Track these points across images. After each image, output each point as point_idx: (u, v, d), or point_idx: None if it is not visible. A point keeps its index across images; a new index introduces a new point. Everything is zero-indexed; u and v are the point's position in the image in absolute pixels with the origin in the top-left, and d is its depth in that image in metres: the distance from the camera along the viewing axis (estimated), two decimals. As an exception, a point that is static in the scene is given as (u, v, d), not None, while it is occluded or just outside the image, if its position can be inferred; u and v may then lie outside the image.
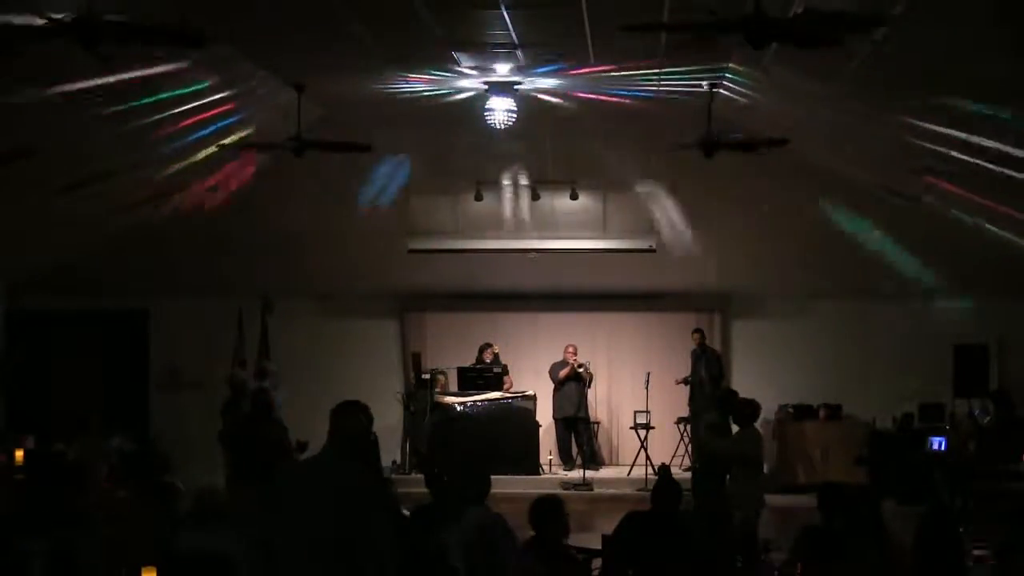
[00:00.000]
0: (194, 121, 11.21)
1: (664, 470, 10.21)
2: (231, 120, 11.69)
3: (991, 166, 10.24)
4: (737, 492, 10.02)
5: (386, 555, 5.50)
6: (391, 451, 15.27)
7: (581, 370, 15.65)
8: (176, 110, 10.72)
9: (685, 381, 15.85)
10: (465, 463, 13.16)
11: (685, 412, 15.90)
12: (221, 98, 10.97)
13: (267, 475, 6.37)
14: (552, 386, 15.86)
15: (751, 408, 10.55)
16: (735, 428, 10.52)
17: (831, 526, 7.35)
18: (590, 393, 15.94)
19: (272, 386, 13.15)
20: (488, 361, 15.81)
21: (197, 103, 10.77)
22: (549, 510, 6.84)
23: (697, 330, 16.02)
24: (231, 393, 12.94)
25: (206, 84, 10.32)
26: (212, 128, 11.62)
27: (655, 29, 8.10)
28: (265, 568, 5.51)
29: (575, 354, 15.70)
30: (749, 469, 10.11)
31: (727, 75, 10.60)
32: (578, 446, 15.85)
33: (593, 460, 15.88)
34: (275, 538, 5.48)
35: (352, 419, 5.66)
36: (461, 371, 15.76)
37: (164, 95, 10.18)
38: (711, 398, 15.66)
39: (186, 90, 10.21)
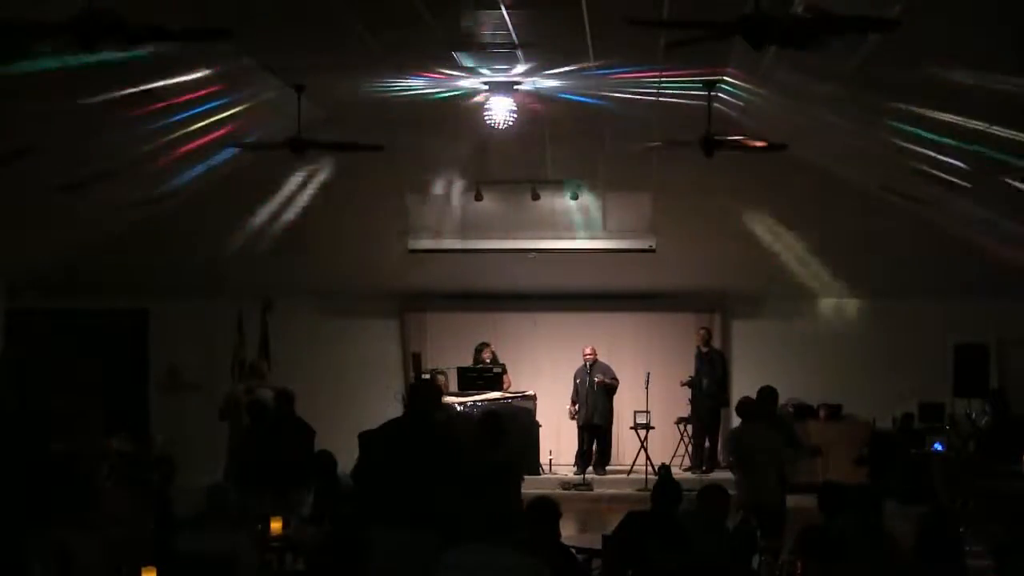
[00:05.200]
0: (194, 120, 11.23)
1: (664, 470, 10.24)
2: (231, 120, 11.69)
3: (988, 167, 10.25)
4: (740, 489, 10.03)
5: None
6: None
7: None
8: (175, 109, 10.73)
9: (689, 383, 15.82)
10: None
11: (685, 412, 15.90)
12: (220, 98, 10.98)
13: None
14: (567, 387, 15.82)
15: (748, 403, 10.62)
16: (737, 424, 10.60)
17: (831, 526, 7.35)
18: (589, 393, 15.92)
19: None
20: (487, 361, 15.78)
21: (197, 103, 10.78)
22: (544, 511, 6.84)
23: (703, 328, 16.01)
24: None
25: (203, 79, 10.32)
26: (211, 127, 11.63)
27: (657, 26, 8.11)
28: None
29: (593, 354, 15.69)
30: (751, 466, 10.12)
31: (726, 75, 10.60)
32: (598, 450, 15.85)
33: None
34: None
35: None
36: (461, 371, 15.74)
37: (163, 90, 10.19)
38: (714, 397, 15.69)
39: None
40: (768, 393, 11.00)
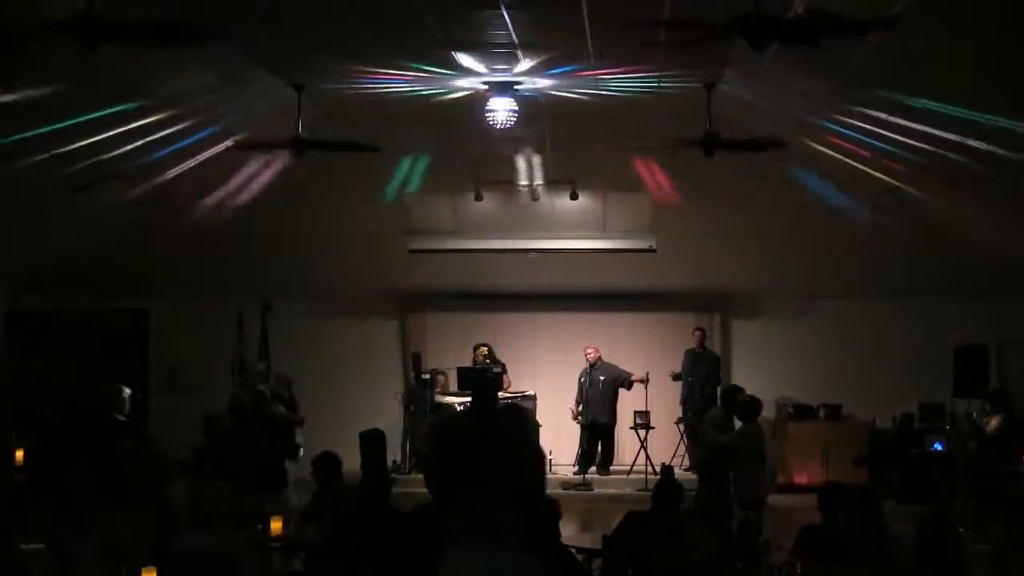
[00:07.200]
0: (193, 120, 11.22)
1: (667, 470, 10.25)
2: (230, 120, 11.69)
3: (987, 168, 10.25)
4: (739, 486, 10.10)
5: None
6: (391, 451, 15.25)
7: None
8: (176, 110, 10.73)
9: (677, 376, 15.83)
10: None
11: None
12: (220, 98, 10.97)
13: None
14: (568, 387, 15.84)
15: (753, 404, 10.69)
16: (737, 424, 10.66)
17: (831, 526, 7.37)
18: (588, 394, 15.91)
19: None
20: (485, 360, 15.76)
21: (197, 103, 10.78)
22: (544, 511, 6.83)
23: (699, 329, 16.02)
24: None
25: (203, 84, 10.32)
26: (212, 128, 11.63)
27: (656, 26, 8.11)
28: None
29: (596, 352, 15.69)
30: (751, 463, 10.20)
31: (726, 75, 10.60)
32: (603, 451, 15.86)
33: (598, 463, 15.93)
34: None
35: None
36: (461, 371, 15.74)
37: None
38: (707, 398, 15.69)
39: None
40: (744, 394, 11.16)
